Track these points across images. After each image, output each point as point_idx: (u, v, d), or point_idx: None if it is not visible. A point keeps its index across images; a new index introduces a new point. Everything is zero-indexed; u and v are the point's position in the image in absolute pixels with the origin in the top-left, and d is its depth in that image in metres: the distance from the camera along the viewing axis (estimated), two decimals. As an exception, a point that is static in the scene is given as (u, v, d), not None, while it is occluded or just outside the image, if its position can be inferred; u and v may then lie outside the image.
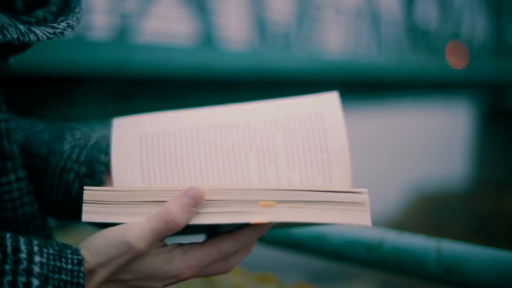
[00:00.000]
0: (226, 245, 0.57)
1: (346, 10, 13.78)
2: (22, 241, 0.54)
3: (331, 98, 0.71)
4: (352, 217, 0.55)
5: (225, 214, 0.54)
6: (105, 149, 0.77)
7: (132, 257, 0.56)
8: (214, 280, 1.71)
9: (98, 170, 0.75)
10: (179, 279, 0.58)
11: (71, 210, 0.78)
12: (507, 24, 18.14)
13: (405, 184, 15.87)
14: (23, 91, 6.37)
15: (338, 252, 1.01)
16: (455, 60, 15.34)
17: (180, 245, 0.58)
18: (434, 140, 20.25)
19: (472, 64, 16.29)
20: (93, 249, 0.56)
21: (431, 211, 13.87)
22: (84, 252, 0.56)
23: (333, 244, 1.01)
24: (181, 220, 0.54)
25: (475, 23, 17.94)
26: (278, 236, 1.08)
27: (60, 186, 0.77)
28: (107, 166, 0.76)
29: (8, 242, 0.54)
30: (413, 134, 20.67)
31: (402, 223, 12.33)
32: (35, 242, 0.55)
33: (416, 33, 15.65)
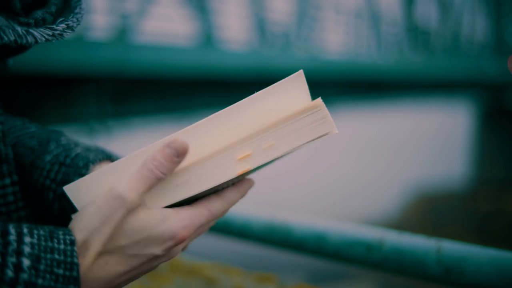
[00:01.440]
0: (215, 204, 0.58)
1: (346, 10, 13.79)
2: (11, 225, 0.52)
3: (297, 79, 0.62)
4: (319, 130, 0.59)
5: (211, 178, 0.56)
6: (79, 169, 0.73)
7: (126, 211, 0.54)
8: (214, 280, 1.71)
9: None
10: (176, 241, 0.56)
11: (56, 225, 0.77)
12: (507, 24, 18.15)
13: (405, 184, 15.88)
14: (23, 91, 6.37)
15: (338, 252, 1.01)
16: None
17: (170, 206, 0.57)
18: (434, 140, 20.27)
19: (472, 64, 16.30)
20: (85, 216, 0.54)
21: (431, 211, 13.88)
22: (76, 225, 0.54)
23: (333, 244, 1.01)
24: (165, 168, 0.54)
25: (475, 23, 17.95)
26: (278, 236, 1.08)
27: (43, 202, 0.75)
28: None
29: None
30: (413, 134, 20.69)
31: (402, 223, 12.34)
32: (24, 225, 0.53)
33: (416, 33, 15.66)
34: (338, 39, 13.61)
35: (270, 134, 0.57)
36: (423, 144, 20.06)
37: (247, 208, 1.18)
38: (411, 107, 16.65)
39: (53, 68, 6.57)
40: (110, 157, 0.77)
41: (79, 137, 0.93)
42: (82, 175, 0.72)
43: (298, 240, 1.05)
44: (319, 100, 0.60)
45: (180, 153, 0.54)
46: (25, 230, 0.52)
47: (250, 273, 1.50)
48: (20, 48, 0.62)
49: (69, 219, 0.72)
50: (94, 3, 7.94)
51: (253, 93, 0.61)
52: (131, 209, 0.54)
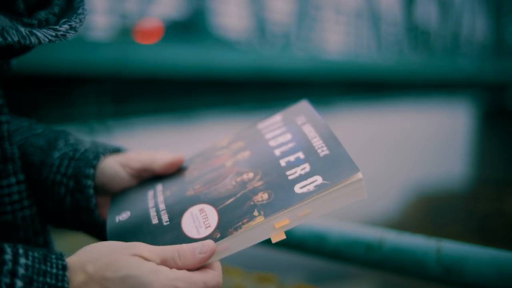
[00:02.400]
0: (211, 277, 0.58)
1: (346, 10, 13.78)
2: (7, 244, 0.53)
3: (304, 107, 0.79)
4: (351, 197, 0.63)
5: (247, 242, 0.61)
6: (91, 161, 0.76)
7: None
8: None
9: (85, 185, 0.75)
10: None
11: (68, 221, 0.78)
12: (507, 24, 18.14)
13: (405, 184, 15.87)
14: (24, 91, 6.37)
15: (338, 252, 1.01)
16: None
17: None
18: (434, 140, 20.25)
19: (472, 64, 16.30)
20: (98, 256, 0.56)
21: (431, 211, 13.87)
22: (77, 255, 0.56)
23: (333, 244, 1.01)
24: (188, 265, 0.58)
25: (475, 23, 17.94)
26: (278, 236, 1.08)
27: (54, 198, 0.76)
28: (93, 178, 0.76)
29: None
30: (413, 134, 20.67)
31: (402, 223, 12.33)
32: (20, 245, 0.54)
33: (416, 33, 15.65)
34: (338, 39, 13.61)
35: (309, 204, 0.61)
36: (423, 144, 20.05)
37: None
38: (411, 107, 16.63)
39: (53, 68, 6.57)
40: (118, 150, 0.80)
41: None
42: (94, 166, 0.76)
43: (298, 240, 1.05)
44: (359, 174, 0.62)
45: (208, 255, 0.59)
46: (21, 251, 0.53)
47: (250, 273, 1.50)
48: (23, 48, 0.62)
49: (82, 211, 0.76)
50: (94, 3, 7.94)
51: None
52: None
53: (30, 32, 0.58)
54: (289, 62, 10.64)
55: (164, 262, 0.57)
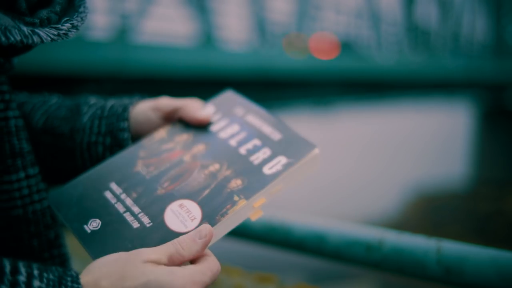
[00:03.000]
0: (213, 263, 0.60)
1: (346, 10, 13.79)
2: (21, 264, 0.53)
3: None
4: (310, 169, 0.74)
5: (231, 224, 0.67)
6: (122, 114, 0.79)
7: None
8: (214, 280, 1.70)
9: (122, 138, 0.78)
10: None
11: None
12: (507, 24, 18.15)
13: (405, 184, 15.88)
14: (23, 91, 6.37)
15: (338, 252, 1.01)
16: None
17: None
18: (434, 140, 20.25)
19: (472, 64, 16.30)
20: (107, 268, 0.56)
21: (431, 211, 13.87)
22: (90, 270, 0.56)
23: (333, 244, 1.01)
24: (191, 253, 0.60)
25: (475, 23, 17.95)
26: (278, 236, 1.08)
27: (92, 160, 0.79)
28: (129, 130, 0.78)
29: (7, 263, 0.52)
30: (413, 134, 20.69)
31: (402, 223, 12.33)
32: (34, 265, 0.54)
33: (416, 33, 15.65)
34: (338, 39, 13.61)
35: (280, 181, 0.70)
36: (423, 144, 20.06)
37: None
38: (411, 107, 16.64)
39: (53, 68, 6.57)
40: (143, 98, 0.83)
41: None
42: (126, 119, 0.78)
43: (298, 240, 1.05)
44: (317, 150, 0.73)
45: (207, 241, 0.61)
46: (36, 272, 0.53)
47: (250, 273, 1.50)
48: (25, 47, 0.62)
49: None
50: (94, 3, 7.94)
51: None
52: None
53: (33, 31, 0.59)
54: (289, 62, 10.65)
55: (170, 259, 0.58)
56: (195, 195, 0.68)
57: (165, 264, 0.57)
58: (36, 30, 0.59)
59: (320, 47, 10.89)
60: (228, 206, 0.67)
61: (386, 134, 20.22)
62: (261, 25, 11.08)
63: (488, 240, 10.47)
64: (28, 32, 0.58)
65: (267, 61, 10.14)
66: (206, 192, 0.69)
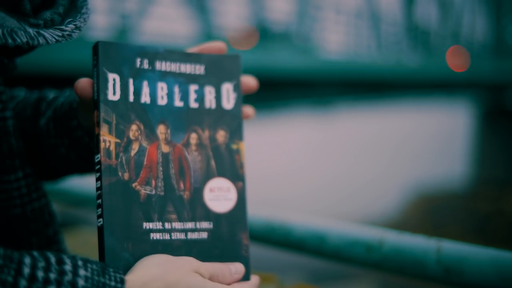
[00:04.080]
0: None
1: (346, 10, 13.78)
2: (65, 255, 0.55)
3: None
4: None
5: None
6: (69, 112, 0.74)
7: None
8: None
9: (77, 136, 0.74)
10: None
11: (87, 168, 0.79)
12: (507, 24, 18.14)
13: (405, 184, 15.88)
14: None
15: (338, 252, 1.01)
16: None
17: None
18: (434, 140, 20.25)
19: (472, 64, 16.30)
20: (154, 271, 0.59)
21: (431, 211, 13.88)
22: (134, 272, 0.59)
23: (333, 244, 1.01)
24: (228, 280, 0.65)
25: (475, 23, 17.94)
26: (278, 236, 1.08)
27: (61, 159, 0.77)
28: (81, 126, 0.73)
29: (51, 255, 0.53)
30: (413, 134, 20.69)
31: (402, 223, 12.34)
32: (78, 257, 0.55)
33: (416, 33, 15.65)
34: (338, 39, 13.61)
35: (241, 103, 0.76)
36: (423, 144, 20.05)
37: (247, 208, 1.17)
38: (411, 107, 16.64)
39: (53, 68, 6.57)
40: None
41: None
42: (74, 117, 0.74)
43: (298, 240, 1.05)
44: (239, 55, 0.79)
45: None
46: (80, 263, 0.54)
47: (250, 273, 1.50)
48: (29, 48, 0.62)
49: (90, 159, 0.73)
50: (94, 3, 7.94)
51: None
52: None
53: (38, 32, 0.59)
54: (289, 62, 10.64)
55: (211, 278, 0.62)
56: (211, 173, 0.70)
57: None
58: (41, 32, 0.60)
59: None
60: (237, 157, 0.71)
61: (386, 134, 20.22)
62: (261, 25, 11.08)
63: (488, 240, 10.47)
64: (34, 34, 0.58)
65: (267, 61, 10.14)
66: (213, 162, 0.70)
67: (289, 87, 10.77)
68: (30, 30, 0.58)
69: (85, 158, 0.76)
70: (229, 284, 0.64)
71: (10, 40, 0.56)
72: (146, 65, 0.70)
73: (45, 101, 0.80)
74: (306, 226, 1.05)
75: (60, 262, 0.53)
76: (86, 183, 1.79)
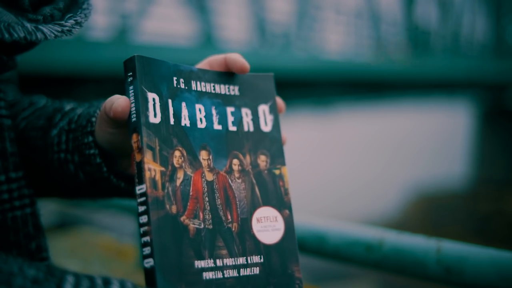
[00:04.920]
0: None
1: (346, 10, 13.78)
2: (113, 278, 0.52)
3: None
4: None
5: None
6: (85, 127, 0.68)
7: None
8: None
9: (89, 155, 0.67)
10: None
11: (94, 193, 0.74)
12: (507, 24, 18.13)
13: (405, 184, 15.87)
14: (23, 91, 6.37)
15: (338, 252, 1.01)
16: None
17: None
18: (434, 140, 20.24)
19: (472, 64, 16.29)
20: None
21: (431, 211, 13.87)
22: None
23: (333, 244, 1.01)
24: None
25: (475, 23, 17.93)
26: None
27: (69, 177, 0.71)
28: (96, 144, 0.67)
29: (96, 276, 0.51)
30: (413, 134, 20.68)
31: (402, 223, 12.33)
32: (127, 281, 0.52)
33: (416, 33, 15.64)
34: (338, 39, 13.60)
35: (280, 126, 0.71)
36: (423, 144, 20.05)
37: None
38: (411, 107, 16.64)
39: (53, 68, 6.57)
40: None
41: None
42: (89, 132, 0.67)
43: (298, 240, 1.05)
44: (271, 74, 0.73)
45: None
46: (129, 284, 0.51)
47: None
48: (28, 45, 0.61)
49: (98, 181, 0.69)
50: (94, 3, 7.94)
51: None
52: None
53: (36, 28, 0.58)
54: (289, 62, 10.64)
55: None
56: (256, 202, 0.65)
57: None
58: (40, 27, 0.58)
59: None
60: (281, 183, 0.67)
61: (386, 134, 20.21)
62: (261, 25, 11.07)
63: (488, 240, 10.46)
64: (32, 29, 0.57)
65: (267, 61, 10.14)
66: (257, 190, 0.65)
67: (289, 87, 10.77)
68: (28, 25, 0.57)
69: (93, 181, 0.70)
70: None
71: (6, 35, 0.54)
72: (182, 85, 0.65)
73: (60, 112, 0.74)
74: (306, 226, 1.05)
75: (107, 283, 0.50)
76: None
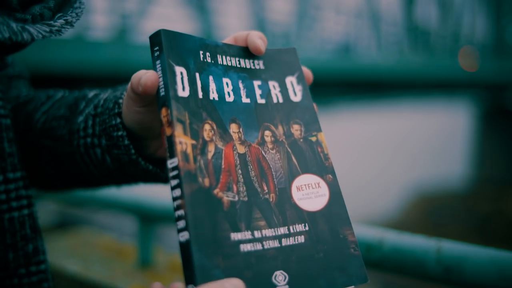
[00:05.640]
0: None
1: (346, 10, 13.78)
2: None
3: None
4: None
5: None
6: (111, 109, 0.67)
7: None
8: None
9: (117, 137, 0.66)
10: None
11: (121, 179, 0.73)
12: (507, 24, 18.14)
13: (405, 184, 15.87)
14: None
15: (338, 252, 1.00)
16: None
17: None
18: (434, 140, 20.25)
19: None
20: None
21: (431, 211, 13.87)
22: None
23: (333, 244, 1.01)
24: None
25: (475, 23, 17.94)
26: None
27: (95, 163, 0.70)
28: (123, 126, 0.66)
29: None
30: (413, 134, 20.68)
31: (402, 223, 12.33)
32: None
33: (416, 33, 15.65)
34: (338, 39, 13.61)
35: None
36: (423, 144, 20.05)
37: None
38: (411, 107, 16.64)
39: (53, 68, 6.57)
40: None
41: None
42: (118, 114, 0.66)
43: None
44: (294, 48, 0.76)
45: None
46: None
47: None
48: (17, 45, 0.58)
49: (126, 165, 0.68)
50: (94, 3, 7.94)
51: None
52: None
53: (23, 28, 0.56)
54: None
55: None
56: (294, 171, 0.63)
57: None
58: (27, 27, 0.56)
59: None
60: (320, 150, 0.66)
61: (386, 134, 20.21)
62: (261, 25, 11.07)
63: (488, 240, 10.46)
64: (18, 29, 0.55)
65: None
66: (294, 159, 0.64)
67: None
68: (14, 25, 0.55)
69: (120, 165, 0.69)
70: None
71: None
72: (208, 59, 0.65)
73: (84, 99, 0.74)
74: (306, 226, 1.05)
75: None
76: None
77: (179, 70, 0.61)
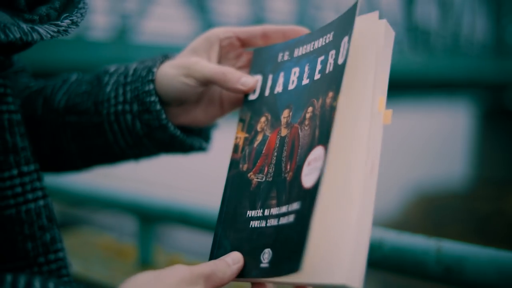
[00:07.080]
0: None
1: (346, 10, 13.79)
2: (37, 279, 0.52)
3: None
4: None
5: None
6: (146, 76, 0.74)
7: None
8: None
9: (149, 102, 0.72)
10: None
11: (146, 148, 0.77)
12: (507, 24, 18.13)
13: (405, 184, 15.87)
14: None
15: (338, 252, 1.00)
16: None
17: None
18: (434, 140, 20.24)
19: (472, 64, 16.29)
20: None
21: (431, 211, 13.86)
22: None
23: (333, 244, 1.01)
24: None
25: (475, 23, 17.94)
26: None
27: (123, 131, 0.75)
28: (156, 93, 0.73)
29: (22, 279, 0.51)
30: (413, 134, 20.67)
31: (402, 223, 12.32)
32: (51, 280, 0.52)
33: (416, 33, 15.64)
34: (338, 39, 13.62)
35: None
36: (423, 144, 20.05)
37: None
38: (411, 107, 16.64)
39: (53, 68, 6.57)
40: (167, 57, 0.77)
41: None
42: (151, 80, 0.73)
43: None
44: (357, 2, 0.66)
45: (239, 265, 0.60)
46: (51, 285, 0.52)
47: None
48: (24, 44, 0.61)
49: (156, 131, 0.74)
50: (94, 3, 7.94)
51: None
52: None
53: (32, 28, 0.58)
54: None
55: (207, 280, 0.56)
56: (313, 144, 0.57)
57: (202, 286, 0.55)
58: (36, 27, 0.58)
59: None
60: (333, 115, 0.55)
61: (386, 134, 20.20)
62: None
63: (488, 240, 10.46)
64: (28, 29, 0.57)
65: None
66: (317, 132, 0.57)
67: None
68: (24, 26, 0.57)
69: (149, 131, 0.74)
70: (233, 276, 0.58)
71: (3, 36, 0.54)
72: (286, 57, 0.70)
73: (107, 73, 0.79)
74: (306, 226, 1.05)
75: (29, 286, 0.50)
76: (86, 183, 1.79)
77: (255, 78, 0.70)
